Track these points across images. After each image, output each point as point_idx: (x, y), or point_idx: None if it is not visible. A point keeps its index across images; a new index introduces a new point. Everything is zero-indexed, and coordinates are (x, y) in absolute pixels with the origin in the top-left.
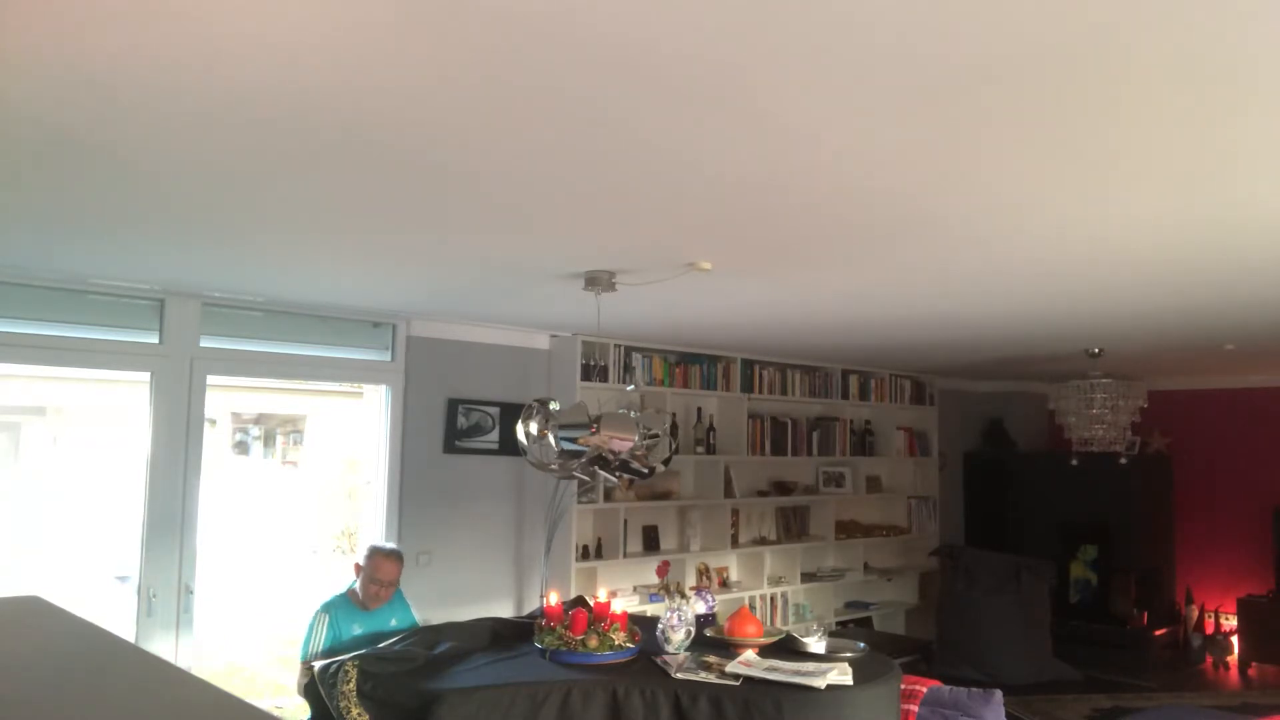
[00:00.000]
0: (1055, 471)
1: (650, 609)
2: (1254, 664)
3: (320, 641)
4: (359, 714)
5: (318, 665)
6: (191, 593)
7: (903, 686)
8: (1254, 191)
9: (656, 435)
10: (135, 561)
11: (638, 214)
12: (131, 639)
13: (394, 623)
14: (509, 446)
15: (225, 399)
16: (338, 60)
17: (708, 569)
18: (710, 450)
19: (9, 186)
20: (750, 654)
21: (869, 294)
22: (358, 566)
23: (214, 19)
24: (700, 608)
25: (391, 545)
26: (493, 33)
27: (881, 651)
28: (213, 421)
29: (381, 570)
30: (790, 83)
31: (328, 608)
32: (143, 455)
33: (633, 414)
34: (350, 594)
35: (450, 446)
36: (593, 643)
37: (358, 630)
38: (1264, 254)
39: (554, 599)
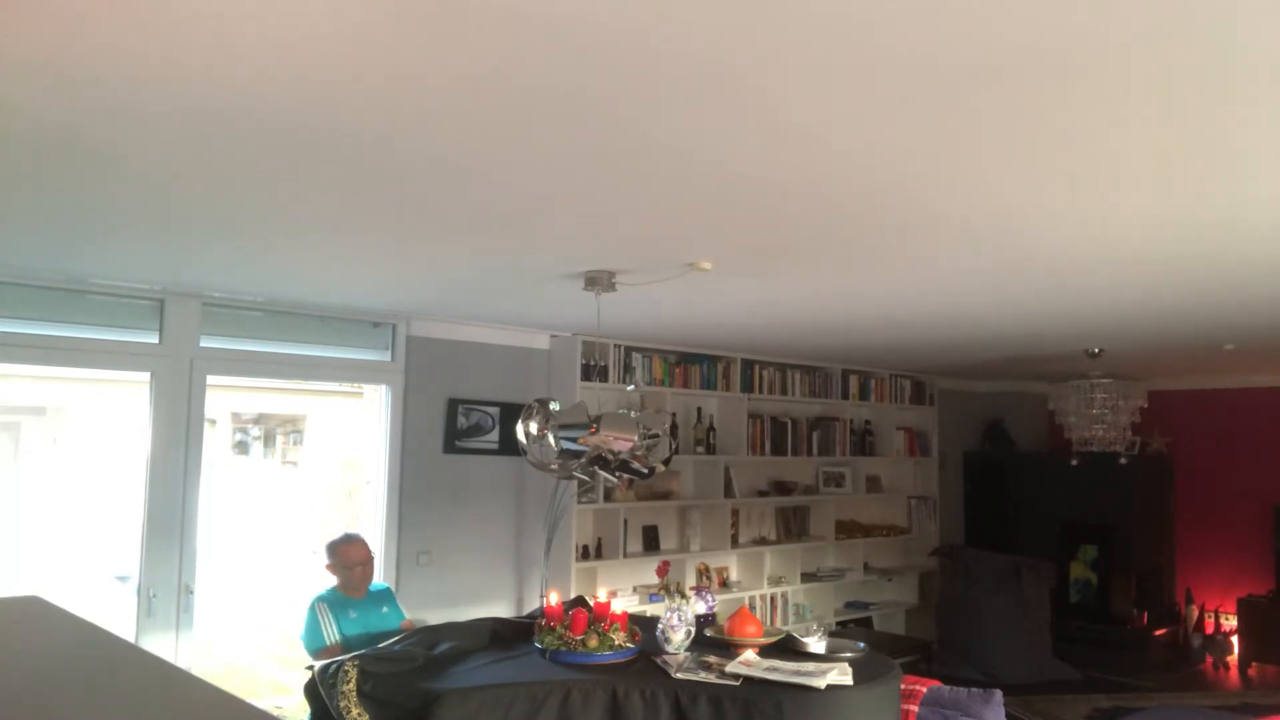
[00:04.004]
0: (1055, 471)
1: (650, 609)
2: (1254, 664)
3: (332, 626)
4: (359, 714)
5: (318, 665)
6: (191, 593)
7: (903, 686)
8: (1254, 191)
9: (656, 435)
10: (135, 561)
11: (638, 214)
12: (131, 639)
13: (385, 610)
14: (509, 446)
15: (225, 399)
16: (337, 60)
17: (708, 569)
18: (710, 450)
19: (10, 186)
20: (750, 654)
21: (869, 294)
22: (330, 567)
23: (215, 19)
24: (700, 608)
25: (342, 533)
26: (491, 33)
27: (881, 651)
28: (213, 421)
29: (350, 554)
30: (792, 82)
31: (321, 599)
32: (143, 455)
33: (633, 414)
34: (338, 587)
35: (450, 446)
36: (593, 643)
37: (353, 616)
38: (1264, 254)
39: (554, 599)
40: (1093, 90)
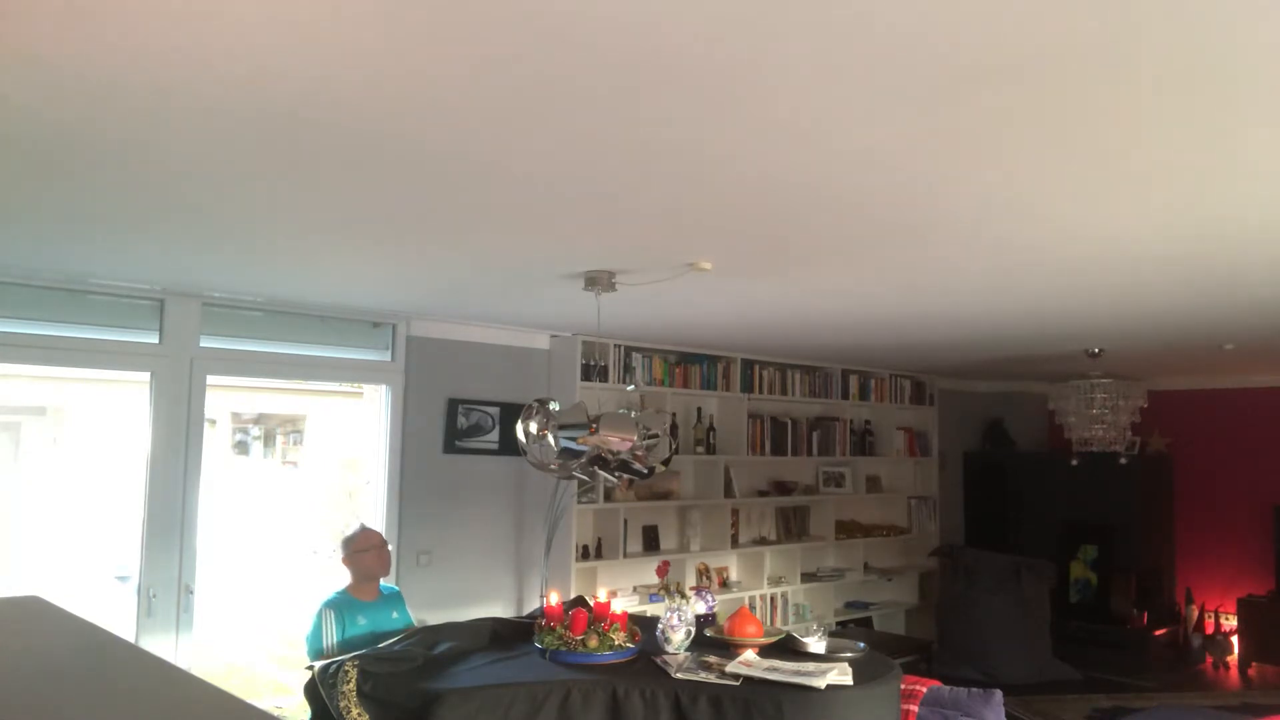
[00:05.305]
0: (1055, 471)
1: (650, 609)
2: (1254, 664)
3: (333, 635)
4: (359, 714)
5: (318, 665)
6: (191, 593)
7: (903, 686)
8: (1254, 192)
9: (656, 435)
10: (135, 561)
11: (639, 213)
12: (131, 639)
13: (395, 615)
14: (509, 446)
15: (225, 399)
16: (338, 58)
17: (708, 569)
18: (710, 450)
19: (10, 186)
20: (750, 654)
21: (869, 294)
22: (345, 560)
23: (214, 15)
24: (700, 608)
25: (357, 525)
26: (493, 31)
27: (881, 651)
28: (213, 421)
29: (369, 537)
30: (795, 82)
31: (331, 605)
32: (143, 455)
33: (633, 414)
34: (349, 589)
35: (450, 446)
36: (593, 643)
37: (362, 621)
38: (1264, 254)
39: (554, 599)
40: (1094, 91)
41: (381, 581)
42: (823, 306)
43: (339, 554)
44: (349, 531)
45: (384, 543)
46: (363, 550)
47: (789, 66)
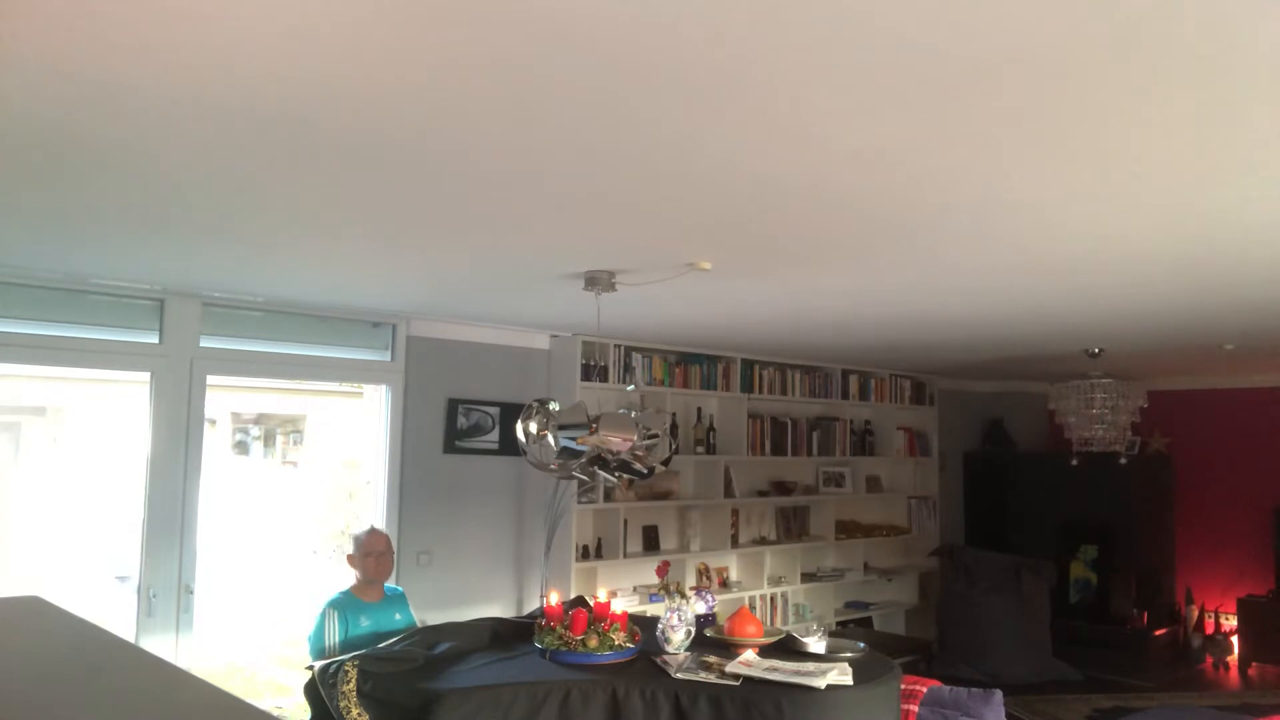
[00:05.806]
0: (1055, 471)
1: (650, 609)
2: (1254, 664)
3: (335, 635)
4: (359, 714)
5: (318, 665)
6: (191, 593)
7: (903, 686)
8: (1254, 191)
9: (656, 435)
10: (135, 561)
11: (639, 213)
12: (131, 639)
13: (398, 617)
14: (509, 446)
15: (225, 399)
16: (339, 58)
17: (708, 569)
18: (710, 450)
19: (11, 186)
20: (750, 654)
21: (869, 294)
22: (350, 558)
23: (215, 16)
24: (700, 608)
25: (368, 525)
26: (495, 32)
27: (881, 651)
28: (213, 421)
29: (374, 542)
30: (794, 82)
31: (334, 604)
32: (143, 455)
33: (633, 414)
34: (353, 589)
35: (450, 446)
36: (593, 643)
37: (365, 622)
38: (1264, 254)
39: (554, 599)
40: (1094, 90)
41: (385, 582)
42: (822, 306)
43: (348, 550)
44: (358, 531)
45: (389, 548)
46: (366, 554)
47: (788, 66)
